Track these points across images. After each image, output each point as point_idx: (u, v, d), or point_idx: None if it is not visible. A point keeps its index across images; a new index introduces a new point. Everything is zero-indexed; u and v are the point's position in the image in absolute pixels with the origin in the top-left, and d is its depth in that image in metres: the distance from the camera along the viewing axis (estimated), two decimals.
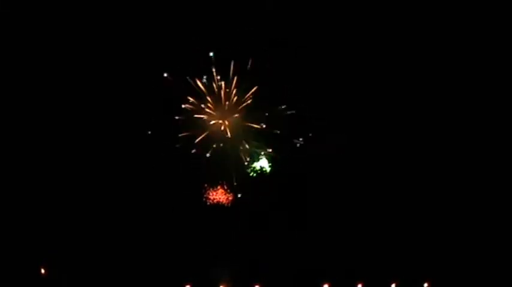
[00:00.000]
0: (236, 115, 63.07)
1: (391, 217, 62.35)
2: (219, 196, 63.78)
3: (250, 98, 62.57)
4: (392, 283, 60.98)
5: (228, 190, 63.35)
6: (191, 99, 62.91)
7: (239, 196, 63.37)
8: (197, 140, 63.31)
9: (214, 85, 62.92)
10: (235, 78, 62.69)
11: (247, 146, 62.99)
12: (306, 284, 61.41)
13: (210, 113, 63.26)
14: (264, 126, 63.07)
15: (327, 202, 63.00)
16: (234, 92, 62.88)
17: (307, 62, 62.14)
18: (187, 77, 62.64)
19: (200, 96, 63.23)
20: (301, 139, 62.63)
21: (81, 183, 63.97)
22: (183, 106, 63.12)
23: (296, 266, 62.03)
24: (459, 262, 60.49)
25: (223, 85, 62.72)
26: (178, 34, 63.12)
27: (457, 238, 61.03)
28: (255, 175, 63.26)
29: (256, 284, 62.27)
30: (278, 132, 62.88)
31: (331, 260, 61.85)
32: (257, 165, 63.97)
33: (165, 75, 62.24)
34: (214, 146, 63.15)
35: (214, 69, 62.39)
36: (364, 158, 62.67)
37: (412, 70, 61.92)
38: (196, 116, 63.27)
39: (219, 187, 63.27)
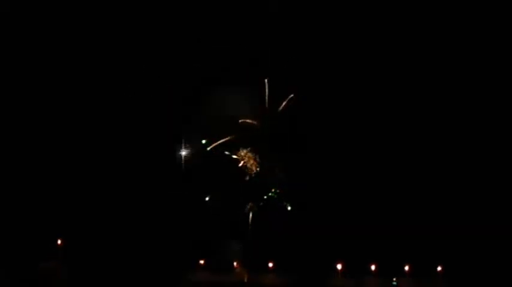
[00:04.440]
0: None
1: (405, 201, 60.70)
2: None
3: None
4: (406, 266, 60.48)
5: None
6: None
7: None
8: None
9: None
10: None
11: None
12: (319, 264, 61.29)
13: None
14: None
15: (341, 183, 61.31)
16: None
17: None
18: None
19: None
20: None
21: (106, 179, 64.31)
22: None
23: (309, 246, 61.62)
24: (472, 247, 59.49)
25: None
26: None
27: (470, 223, 59.54)
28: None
29: (270, 262, 62.38)
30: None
31: (344, 241, 61.15)
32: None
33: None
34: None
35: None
36: (376, 145, 60.58)
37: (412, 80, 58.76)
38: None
39: None
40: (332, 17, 58.94)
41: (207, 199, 63.27)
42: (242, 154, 63.03)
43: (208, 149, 63.08)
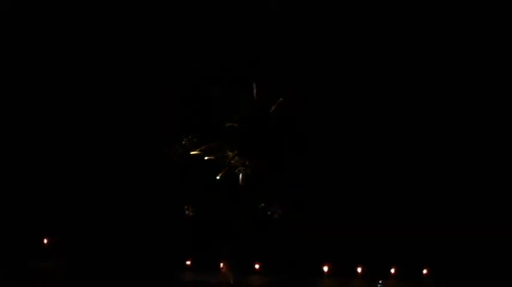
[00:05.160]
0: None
1: (392, 204, 61.77)
2: None
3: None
4: (392, 268, 61.09)
5: None
6: None
7: None
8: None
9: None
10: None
11: None
12: (306, 266, 61.65)
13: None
14: None
15: (329, 186, 62.30)
16: None
17: None
18: None
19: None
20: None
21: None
22: None
23: (296, 247, 62.04)
24: (458, 250, 60.31)
25: None
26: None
27: (455, 225, 60.56)
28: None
29: (256, 263, 62.61)
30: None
31: (332, 242, 61.75)
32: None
33: None
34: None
35: None
36: (365, 150, 61.91)
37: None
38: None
39: None
40: (331, 17, 60.67)
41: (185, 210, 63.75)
42: (229, 157, 63.22)
43: (192, 153, 63.42)
